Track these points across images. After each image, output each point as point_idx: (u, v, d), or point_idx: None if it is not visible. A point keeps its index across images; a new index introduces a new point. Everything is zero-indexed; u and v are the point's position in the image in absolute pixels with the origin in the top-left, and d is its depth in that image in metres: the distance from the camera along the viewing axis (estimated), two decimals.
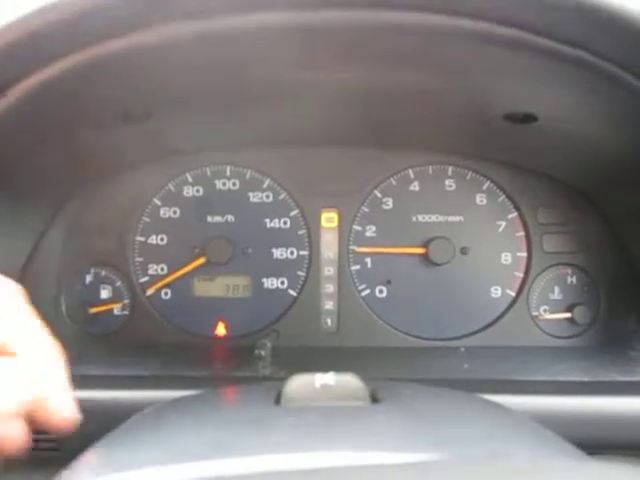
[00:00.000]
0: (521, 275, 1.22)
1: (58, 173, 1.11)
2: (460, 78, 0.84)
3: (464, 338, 1.20)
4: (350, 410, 0.59)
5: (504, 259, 1.22)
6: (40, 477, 0.70)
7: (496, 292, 1.22)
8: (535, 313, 1.22)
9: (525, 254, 1.22)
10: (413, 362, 1.13)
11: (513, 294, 1.22)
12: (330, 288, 1.22)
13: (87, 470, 0.50)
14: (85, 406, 0.85)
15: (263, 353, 0.99)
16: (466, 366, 1.03)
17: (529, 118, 0.94)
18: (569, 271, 1.22)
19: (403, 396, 0.66)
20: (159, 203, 1.24)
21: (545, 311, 1.22)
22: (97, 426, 0.62)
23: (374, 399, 0.64)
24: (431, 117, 1.04)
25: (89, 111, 0.90)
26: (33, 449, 0.74)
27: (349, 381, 0.64)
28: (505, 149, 1.17)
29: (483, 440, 0.52)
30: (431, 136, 1.18)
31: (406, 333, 1.21)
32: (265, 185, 1.24)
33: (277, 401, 0.57)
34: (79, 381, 0.91)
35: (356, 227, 1.23)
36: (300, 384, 0.59)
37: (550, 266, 1.22)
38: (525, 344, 1.19)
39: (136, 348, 1.17)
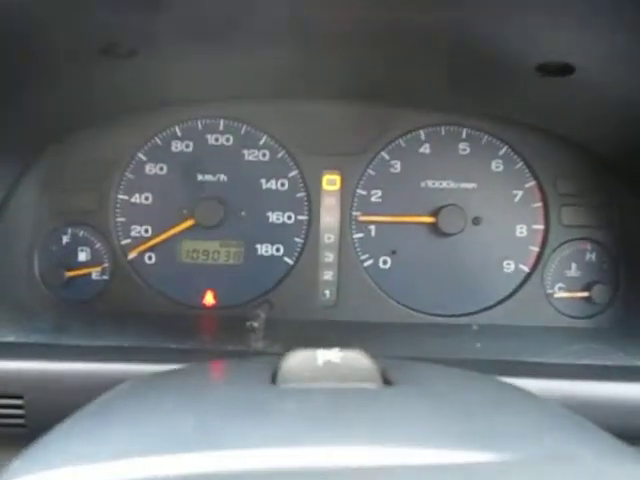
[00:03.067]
0: (536, 249, 1.12)
1: (33, 119, 0.99)
2: (496, 21, 0.73)
3: (473, 315, 1.11)
4: (361, 393, 0.49)
5: (519, 231, 1.12)
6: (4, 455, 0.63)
7: (509, 267, 1.12)
8: (550, 291, 1.12)
9: (542, 227, 1.12)
10: (419, 340, 1.04)
11: (527, 269, 1.12)
12: (330, 257, 1.12)
13: (42, 458, 0.41)
14: (59, 378, 0.75)
15: (256, 325, 0.89)
16: (479, 345, 0.94)
17: (565, 70, 0.83)
18: (588, 247, 1.13)
19: (420, 377, 0.57)
20: (144, 158, 1.13)
21: (561, 289, 1.12)
22: (70, 401, 0.54)
23: (386, 380, 0.54)
24: (452, 68, 0.93)
25: (67, 41, 0.78)
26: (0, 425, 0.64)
27: (356, 359, 0.55)
28: (529, 108, 1.06)
29: (520, 433, 0.43)
30: (447, 92, 1.06)
31: (411, 308, 1.11)
32: (262, 142, 1.13)
33: (273, 380, 0.47)
34: (54, 351, 0.82)
35: (360, 191, 1.12)
36: (300, 360, 0.49)
37: (568, 241, 1.12)
38: (539, 323, 1.10)
39: (116, 317, 1.07)
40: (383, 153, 1.12)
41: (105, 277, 1.12)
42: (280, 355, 0.54)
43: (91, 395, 0.53)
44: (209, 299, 1.13)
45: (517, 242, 1.12)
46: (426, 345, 0.98)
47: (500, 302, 1.12)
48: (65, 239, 1.13)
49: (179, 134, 1.13)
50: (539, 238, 1.13)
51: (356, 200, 1.12)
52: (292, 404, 0.44)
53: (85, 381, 0.76)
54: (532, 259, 1.13)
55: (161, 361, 0.76)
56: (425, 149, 1.12)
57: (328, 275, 1.12)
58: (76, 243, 1.12)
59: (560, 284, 1.13)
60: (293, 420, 0.41)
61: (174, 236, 1.12)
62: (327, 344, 0.56)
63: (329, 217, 1.12)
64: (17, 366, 0.78)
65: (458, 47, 0.84)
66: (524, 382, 0.77)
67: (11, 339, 0.87)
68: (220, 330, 1.05)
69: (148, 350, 0.84)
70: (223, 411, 0.44)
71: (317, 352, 0.55)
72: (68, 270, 1.11)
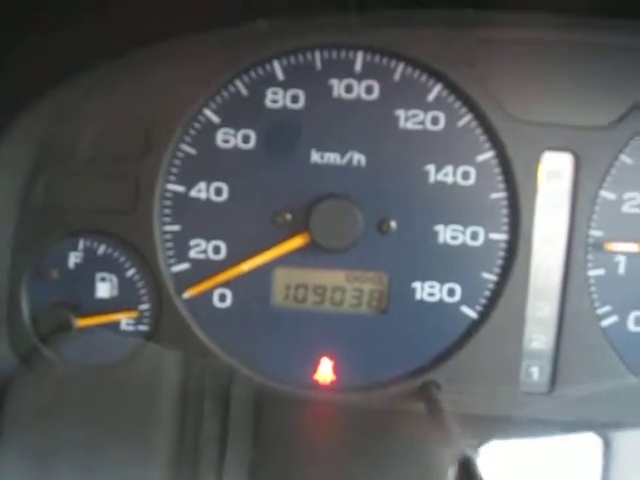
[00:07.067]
0: None
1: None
2: None
3: None
4: None
5: None
6: None
7: None
8: None
9: None
10: None
11: None
12: (544, 309, 0.65)
13: None
14: None
15: None
16: None
17: None
18: None
19: None
20: (215, 119, 0.63)
21: None
22: None
23: None
24: None
25: None
26: None
27: None
28: None
29: None
30: None
31: None
32: (432, 96, 0.62)
33: None
34: None
35: (606, 194, 0.63)
36: None
37: None
38: None
39: (161, 400, 0.62)
40: None
41: (143, 328, 0.65)
42: None
43: None
44: (324, 374, 0.65)
45: None
46: None
47: None
48: (74, 260, 0.65)
49: (280, 77, 0.62)
50: None
51: (598, 209, 0.62)
52: None
53: None
54: None
55: None
56: None
57: (540, 340, 0.65)
58: (93, 267, 0.66)
59: None
60: None
61: (267, 264, 0.63)
62: None
63: (548, 239, 0.63)
64: None
65: None
66: None
67: None
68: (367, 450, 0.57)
69: None
70: None
71: None
72: (78, 315, 0.63)
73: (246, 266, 0.63)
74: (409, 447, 0.56)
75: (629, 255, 0.64)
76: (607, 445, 0.63)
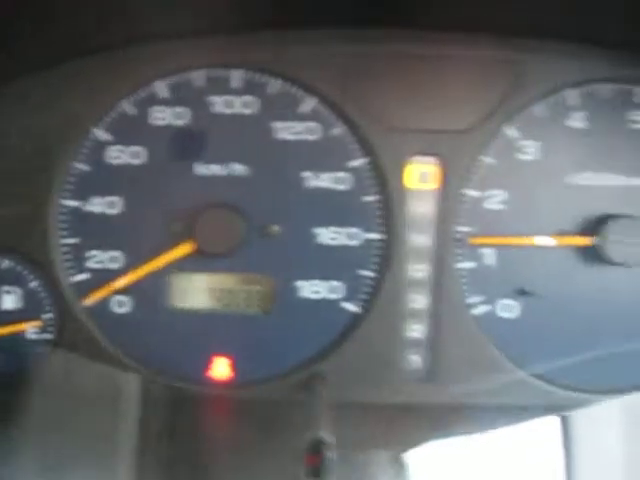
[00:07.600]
0: None
1: None
2: None
3: None
4: None
5: None
6: None
7: None
8: None
9: None
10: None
11: None
12: (419, 301, 0.70)
13: None
14: None
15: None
16: None
17: None
18: None
19: None
20: (105, 137, 0.67)
21: None
22: None
23: None
24: None
25: None
26: None
27: None
28: None
29: None
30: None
31: (551, 382, 0.70)
32: (307, 108, 0.67)
33: None
34: None
35: (471, 192, 0.68)
36: None
37: None
38: None
39: (63, 406, 0.64)
40: (507, 129, 0.68)
41: (47, 336, 0.69)
42: None
43: None
44: (220, 370, 0.69)
45: None
46: None
47: None
48: None
49: (164, 94, 0.67)
50: None
51: (464, 207, 0.68)
52: None
53: None
54: None
55: None
56: (576, 121, 0.68)
57: (416, 331, 0.70)
58: None
59: None
60: None
61: (161, 270, 0.68)
62: None
63: (419, 236, 0.70)
64: None
65: None
66: None
67: None
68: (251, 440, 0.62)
69: None
70: None
71: None
72: None
73: (139, 273, 0.68)
74: (277, 435, 0.61)
75: (494, 247, 0.69)
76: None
